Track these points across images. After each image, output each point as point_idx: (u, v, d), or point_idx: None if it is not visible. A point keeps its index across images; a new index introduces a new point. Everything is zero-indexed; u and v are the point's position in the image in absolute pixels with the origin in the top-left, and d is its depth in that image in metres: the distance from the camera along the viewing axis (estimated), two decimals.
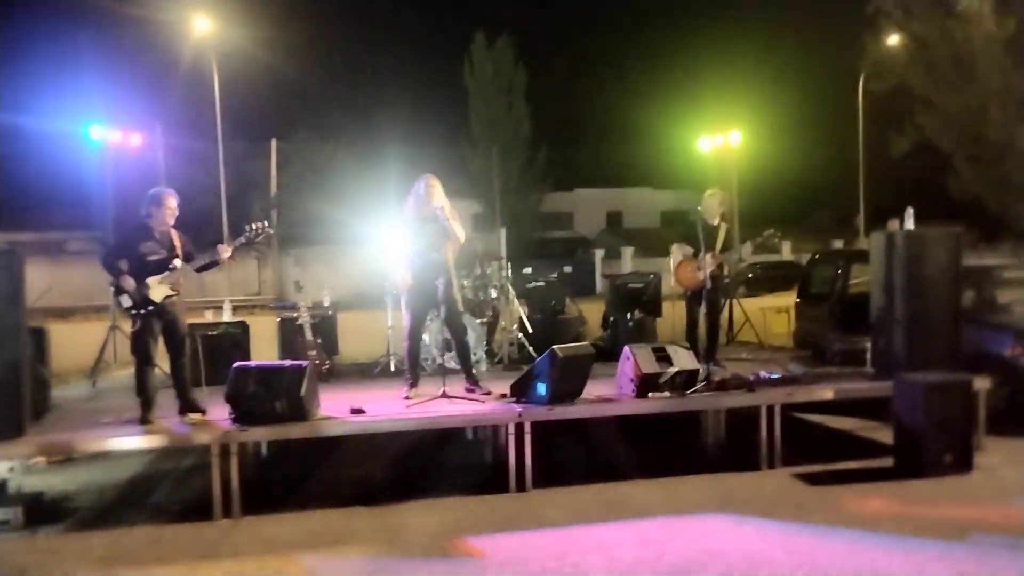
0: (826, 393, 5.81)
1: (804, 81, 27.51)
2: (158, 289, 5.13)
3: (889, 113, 24.12)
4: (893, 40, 23.27)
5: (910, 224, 6.24)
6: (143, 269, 5.10)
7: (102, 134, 8.15)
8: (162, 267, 5.16)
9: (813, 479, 5.22)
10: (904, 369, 5.69)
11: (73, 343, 8.31)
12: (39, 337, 5.69)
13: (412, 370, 5.97)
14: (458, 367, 7.09)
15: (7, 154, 21.86)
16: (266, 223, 5.61)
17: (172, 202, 5.25)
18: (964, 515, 4.51)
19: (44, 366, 5.73)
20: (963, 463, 5.23)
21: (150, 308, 5.10)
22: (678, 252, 6.81)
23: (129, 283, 5.05)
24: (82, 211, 18.94)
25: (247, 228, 5.47)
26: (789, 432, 5.61)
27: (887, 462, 5.44)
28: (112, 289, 5.20)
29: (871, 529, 4.29)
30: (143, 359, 5.16)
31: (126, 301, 5.09)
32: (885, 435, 5.86)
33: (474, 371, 6.14)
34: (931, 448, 5.19)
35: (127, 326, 5.33)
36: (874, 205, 25.95)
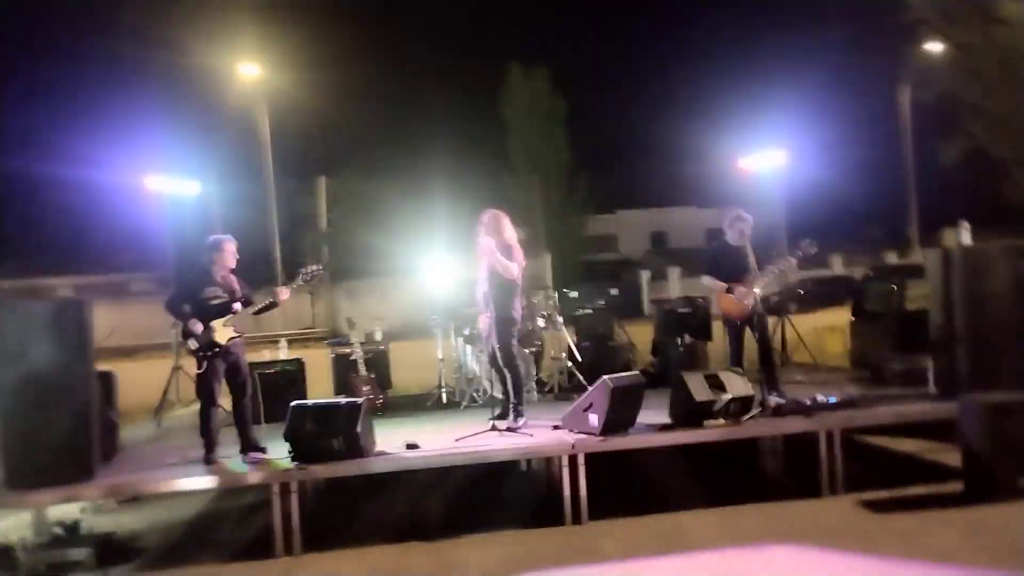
0: (888, 416, 5.65)
1: (848, 94, 27.05)
2: (223, 331, 5.33)
3: (937, 122, 23.56)
4: (936, 48, 22.80)
5: (965, 237, 6.06)
6: (206, 312, 5.30)
7: (157, 184, 8.50)
8: (224, 310, 5.35)
9: (879, 506, 5.06)
10: (968, 389, 5.50)
11: (138, 382, 8.59)
12: (107, 381, 5.92)
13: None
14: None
15: (72, 203, 22.91)
16: (320, 267, 5.80)
17: (231, 247, 5.47)
18: None
19: (112, 408, 5.95)
20: None
21: (216, 350, 5.29)
22: (710, 286, 6.45)
23: (197, 327, 5.25)
24: (142, 254, 19.70)
25: (302, 271, 5.65)
26: (850, 456, 5.46)
27: (956, 487, 5.23)
28: (179, 332, 5.40)
29: (944, 560, 4.12)
30: (208, 400, 5.34)
31: (193, 344, 5.28)
32: (952, 457, 5.65)
33: (519, 409, 5.97)
34: (1002, 471, 4.99)
35: (190, 366, 5.52)
36: (927, 216, 25.28)
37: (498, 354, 5.97)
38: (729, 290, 6.27)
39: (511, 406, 5.95)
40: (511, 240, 5.99)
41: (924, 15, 22.41)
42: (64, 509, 5.42)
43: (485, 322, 6.03)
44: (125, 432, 6.77)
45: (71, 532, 5.05)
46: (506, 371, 5.99)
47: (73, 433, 4.93)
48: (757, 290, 6.24)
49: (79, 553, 4.83)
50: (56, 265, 22.94)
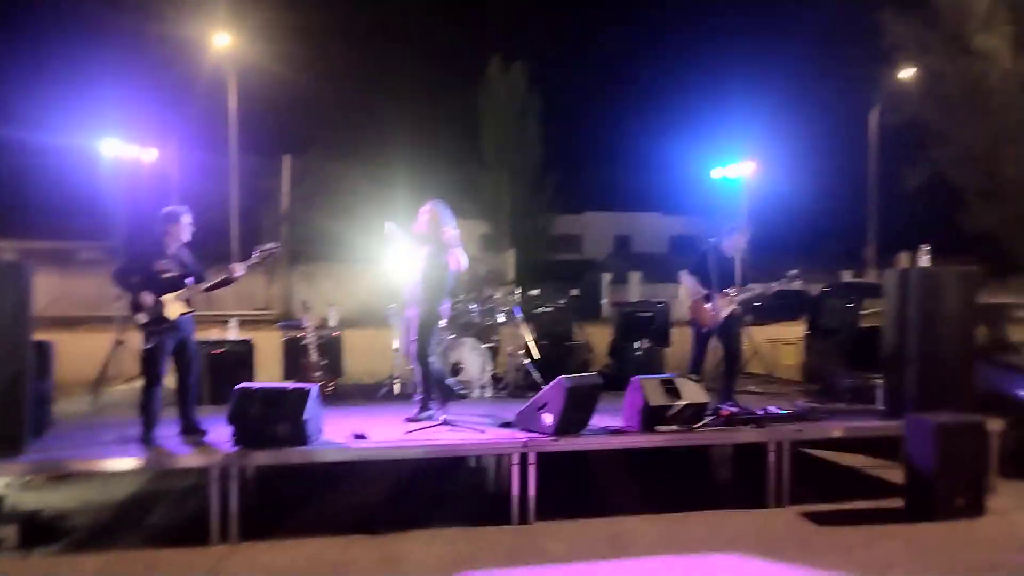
0: (836, 431, 5.72)
1: (817, 111, 27.52)
2: (173, 306, 5.12)
3: (903, 146, 24.11)
4: (908, 74, 23.31)
5: (925, 261, 6.16)
6: (157, 286, 5.09)
7: (114, 148, 8.18)
8: (176, 285, 5.15)
9: (822, 518, 5.11)
10: (916, 408, 5.60)
11: (79, 355, 8.26)
12: (44, 351, 5.64)
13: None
14: (461, 392, 7.06)
15: (21, 165, 22.04)
16: (277, 245, 5.61)
17: (187, 220, 5.26)
18: (976, 560, 4.40)
19: (47, 380, 5.68)
20: (975, 506, 5.13)
21: (165, 326, 5.08)
22: (689, 288, 6.45)
23: (148, 299, 5.03)
24: (94, 221, 19.03)
25: (259, 249, 5.47)
26: (797, 468, 5.51)
27: (897, 502, 5.33)
28: (128, 305, 5.17)
29: (881, 574, 4.17)
30: (153, 377, 5.12)
31: (142, 318, 5.06)
32: (895, 474, 5.75)
33: (428, 403, 5.93)
34: (943, 490, 5.09)
35: (134, 341, 5.29)
36: (884, 238, 25.86)
37: (412, 348, 5.90)
38: (707, 297, 6.27)
39: (422, 400, 5.91)
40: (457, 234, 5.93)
41: (899, 41, 22.91)
42: None
43: (412, 314, 5.93)
44: (60, 406, 6.49)
45: None
46: (420, 367, 5.90)
47: (2, 405, 4.68)
48: (734, 303, 6.27)
49: (1, 531, 4.60)
50: (2, 228, 22.06)
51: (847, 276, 25.62)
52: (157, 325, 5.07)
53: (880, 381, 6.32)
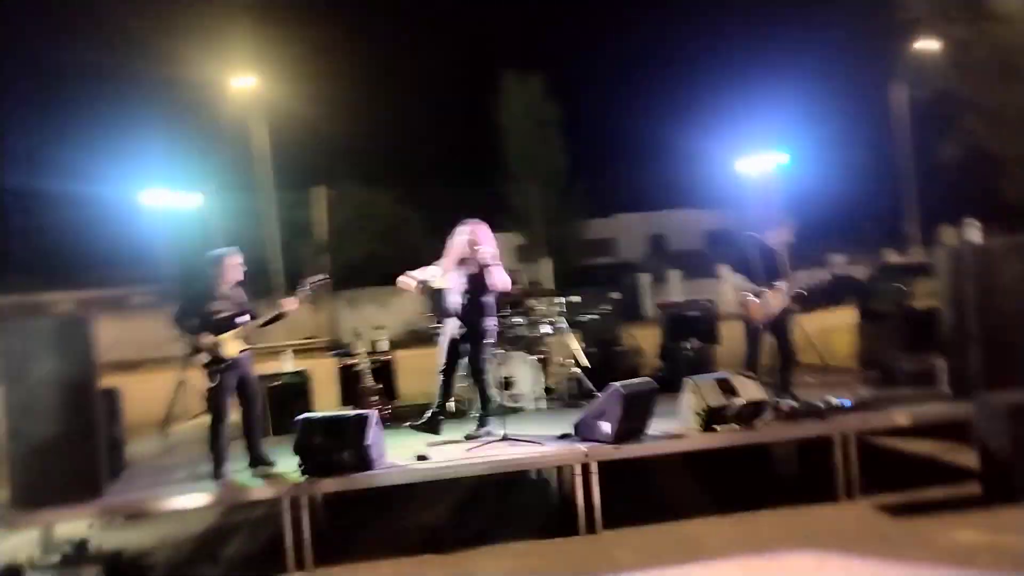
0: (902, 418, 5.59)
1: (842, 93, 27.05)
2: (232, 344, 5.26)
3: (934, 119, 23.57)
4: (930, 45, 22.82)
5: (974, 235, 6.02)
6: (214, 327, 5.24)
7: (154, 197, 8.45)
8: (231, 324, 5.29)
9: (897, 510, 5.00)
10: (983, 388, 5.46)
11: (142, 396, 8.49)
12: (111, 397, 5.83)
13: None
14: (516, 406, 7.10)
15: (71, 218, 22.84)
16: (326, 276, 5.74)
17: (235, 260, 5.41)
18: None
19: (118, 425, 5.87)
20: None
21: (226, 364, 5.23)
22: (736, 284, 6.33)
23: (208, 341, 5.18)
24: (142, 267, 19.63)
25: (308, 281, 5.60)
26: (865, 459, 5.40)
27: (973, 488, 5.18)
28: (188, 348, 5.32)
29: (966, 564, 4.07)
30: (219, 415, 5.27)
31: (203, 358, 5.21)
32: (968, 458, 5.60)
33: (486, 420, 6.00)
34: (1021, 472, 4.93)
35: (195, 380, 5.44)
36: (924, 214, 25.24)
37: (472, 366, 5.97)
38: (758, 293, 6.20)
39: (480, 417, 5.99)
40: (497, 252, 6.00)
41: (918, 13, 22.44)
42: (72, 527, 5.36)
43: (454, 328, 5.97)
44: (131, 447, 6.70)
45: (79, 550, 4.96)
46: (477, 384, 6.02)
47: (79, 451, 4.87)
48: (786, 296, 6.19)
49: (88, 572, 4.74)
50: (56, 280, 22.86)
51: (891, 256, 25.11)
52: (217, 364, 5.21)
53: (940, 363, 6.17)
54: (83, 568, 4.78)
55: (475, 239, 5.91)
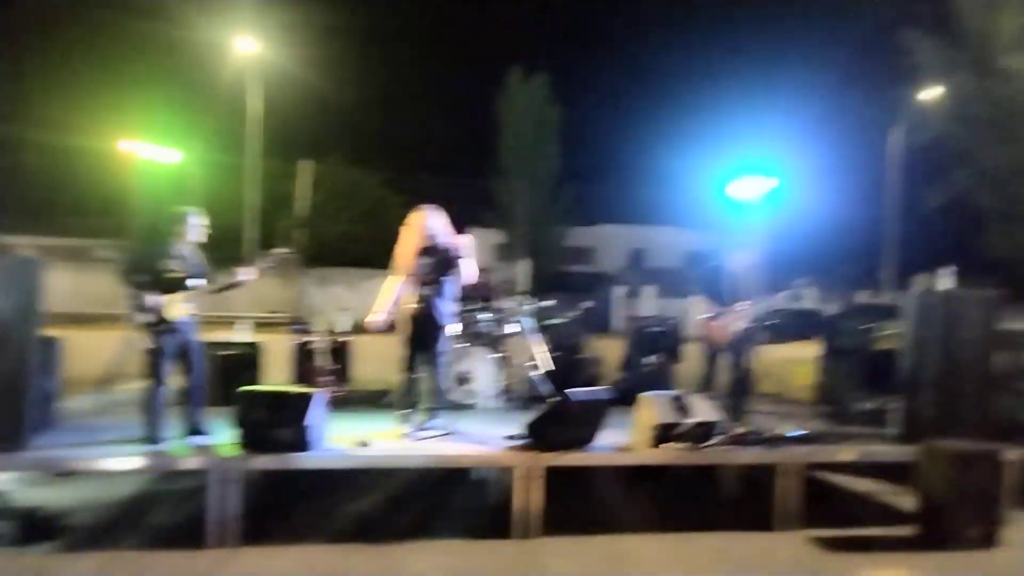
0: (848, 454, 5.59)
1: (837, 128, 27.31)
2: (176, 308, 5.09)
3: (923, 167, 23.88)
4: (932, 94, 23.08)
5: (948, 282, 6.04)
6: (163, 285, 5.06)
7: (132, 149, 8.23)
8: (179, 285, 5.12)
9: (830, 544, 4.98)
10: (932, 434, 5.45)
11: (90, 353, 8.28)
12: (50, 348, 5.65)
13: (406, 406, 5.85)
14: (467, 401, 7.00)
15: (44, 165, 22.37)
16: (288, 250, 5.59)
17: (198, 221, 5.24)
18: None
19: (52, 377, 5.68)
20: (989, 537, 4.97)
21: (168, 326, 5.06)
22: (698, 305, 6.36)
23: (154, 300, 5.01)
24: (110, 220, 19.24)
25: (270, 253, 5.46)
26: (807, 492, 5.38)
27: (909, 530, 5.19)
28: (132, 305, 5.14)
29: None
30: (155, 378, 5.10)
31: (143, 318, 5.04)
32: (908, 501, 5.61)
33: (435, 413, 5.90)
34: (956, 519, 4.95)
35: (141, 341, 5.27)
36: (902, 259, 25.53)
37: (431, 357, 5.81)
38: (718, 315, 6.17)
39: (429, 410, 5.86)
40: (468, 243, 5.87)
41: (925, 59, 22.69)
42: None
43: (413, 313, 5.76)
44: (67, 403, 6.49)
45: None
46: (440, 376, 5.86)
47: (5, 399, 4.68)
48: (745, 319, 6.17)
49: (0, 526, 4.57)
50: (23, 225, 22.34)
51: (864, 297, 25.38)
52: (159, 325, 5.04)
53: (895, 405, 6.18)
54: None
55: (444, 227, 5.78)
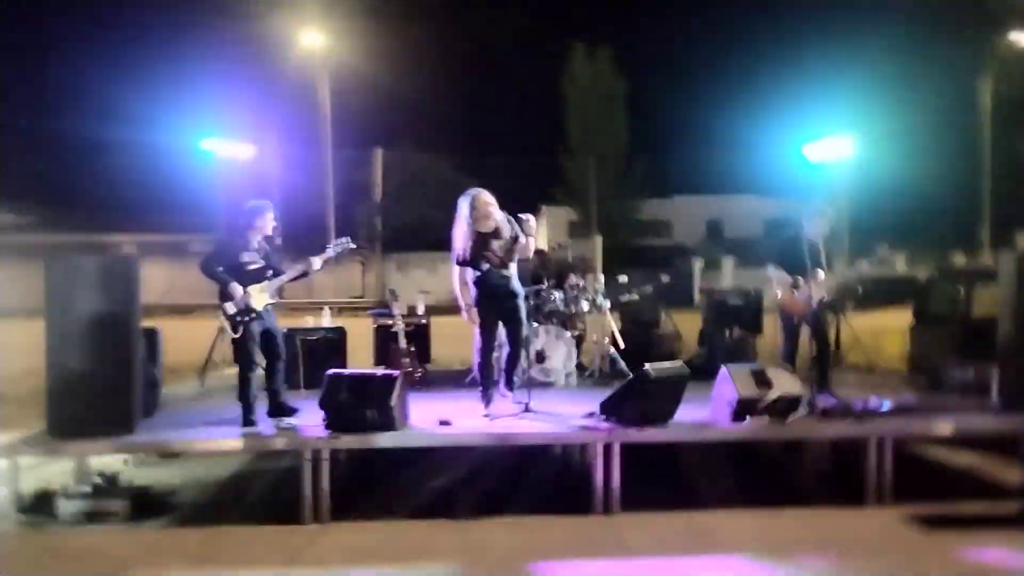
0: (945, 427, 5.34)
1: (922, 82, 25.69)
2: (259, 297, 5.34)
3: (1018, 117, 22.26)
4: (1020, 39, 21.45)
5: None
6: (242, 277, 5.31)
7: (213, 146, 8.60)
8: (259, 276, 5.37)
9: (926, 521, 4.78)
10: None
11: (189, 341, 8.77)
12: (152, 337, 6.01)
13: (485, 385, 5.93)
14: (544, 379, 7.04)
15: (136, 164, 23.59)
16: (348, 240, 5.77)
17: (271, 215, 5.47)
18: None
19: (155, 365, 6.05)
20: None
21: (252, 315, 5.31)
22: (776, 276, 6.17)
23: (237, 290, 5.26)
24: (202, 215, 20.17)
25: (332, 244, 5.65)
26: (901, 466, 5.18)
27: (1011, 506, 4.94)
28: (217, 295, 5.43)
29: None
30: (246, 364, 5.37)
31: (231, 308, 5.30)
32: (1011, 474, 5.34)
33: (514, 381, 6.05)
34: None
35: (229, 330, 5.54)
36: (1000, 217, 23.99)
37: (523, 332, 5.87)
38: (795, 285, 6.01)
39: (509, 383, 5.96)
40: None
41: (1012, 3, 21.10)
42: (107, 460, 5.57)
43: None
44: (169, 389, 6.91)
45: (110, 483, 5.16)
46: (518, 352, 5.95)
47: (114, 387, 5.03)
48: (823, 289, 5.99)
49: (115, 504, 4.94)
50: (120, 222, 23.70)
51: (959, 259, 24.04)
52: (245, 315, 5.30)
53: (995, 374, 5.87)
54: (111, 500, 4.97)
55: (495, 208, 5.78)
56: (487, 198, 5.73)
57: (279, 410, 5.47)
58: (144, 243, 21.71)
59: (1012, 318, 5.56)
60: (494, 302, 5.85)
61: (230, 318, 5.31)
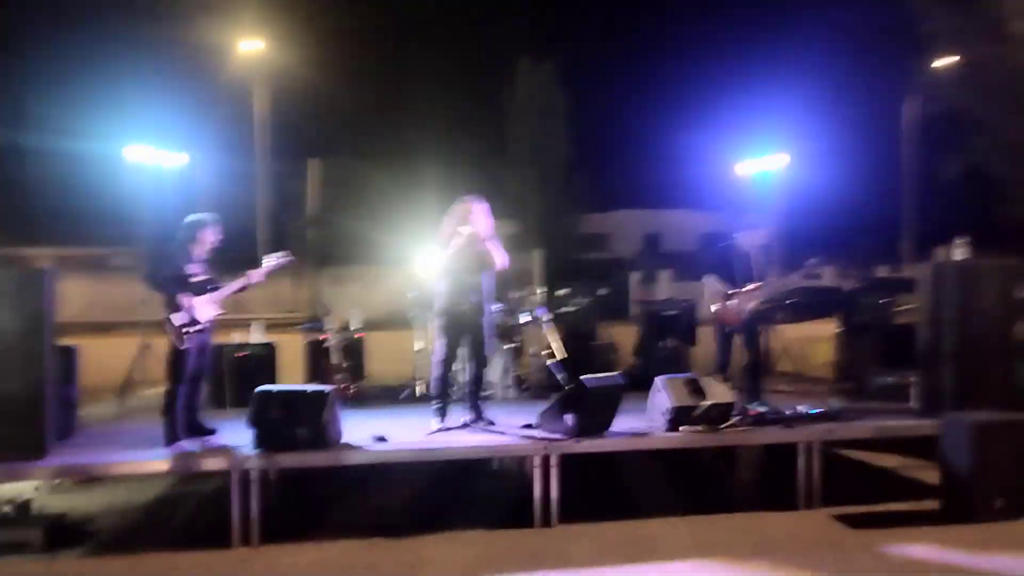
0: (868, 430, 5.53)
1: (850, 101, 26.86)
2: (205, 309, 5.16)
3: (939, 137, 23.48)
4: (945, 62, 22.65)
5: (961, 254, 5.94)
6: (186, 290, 5.12)
7: (138, 155, 8.28)
8: (203, 289, 5.19)
9: (854, 521, 4.95)
10: (952, 407, 5.40)
11: (109, 359, 8.38)
12: (68, 356, 5.71)
13: (441, 400, 5.79)
14: (484, 394, 6.97)
15: (56, 174, 22.56)
16: (287, 254, 5.62)
17: (216, 228, 5.31)
18: (1015, 563, 4.22)
19: (72, 385, 5.74)
20: (1015, 509, 4.91)
21: (199, 327, 5.12)
22: (710, 286, 6.28)
23: (188, 301, 5.06)
24: (124, 227, 19.37)
25: (271, 257, 5.50)
26: (829, 470, 5.34)
27: (933, 504, 5.14)
28: (164, 306, 5.17)
29: None
30: (179, 378, 5.14)
31: (179, 319, 5.08)
32: (931, 475, 5.55)
33: (480, 406, 5.89)
34: (980, 492, 4.89)
35: (159, 345, 5.30)
36: (921, 232, 25.17)
37: (484, 350, 5.80)
38: (729, 295, 6.14)
39: (476, 403, 5.84)
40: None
41: (937, 28, 22.24)
42: (17, 487, 5.24)
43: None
44: (87, 410, 6.57)
45: (21, 512, 4.86)
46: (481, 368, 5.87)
47: (25, 409, 4.74)
48: (757, 300, 6.12)
49: (28, 534, 4.64)
50: (39, 236, 22.60)
51: (882, 271, 25.08)
52: (192, 326, 5.10)
53: (915, 379, 6.11)
54: (24, 529, 4.67)
55: (487, 219, 5.73)
56: (472, 203, 5.73)
57: (197, 429, 5.25)
58: (63, 256, 20.73)
59: (929, 325, 5.81)
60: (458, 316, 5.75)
61: (176, 329, 5.08)
